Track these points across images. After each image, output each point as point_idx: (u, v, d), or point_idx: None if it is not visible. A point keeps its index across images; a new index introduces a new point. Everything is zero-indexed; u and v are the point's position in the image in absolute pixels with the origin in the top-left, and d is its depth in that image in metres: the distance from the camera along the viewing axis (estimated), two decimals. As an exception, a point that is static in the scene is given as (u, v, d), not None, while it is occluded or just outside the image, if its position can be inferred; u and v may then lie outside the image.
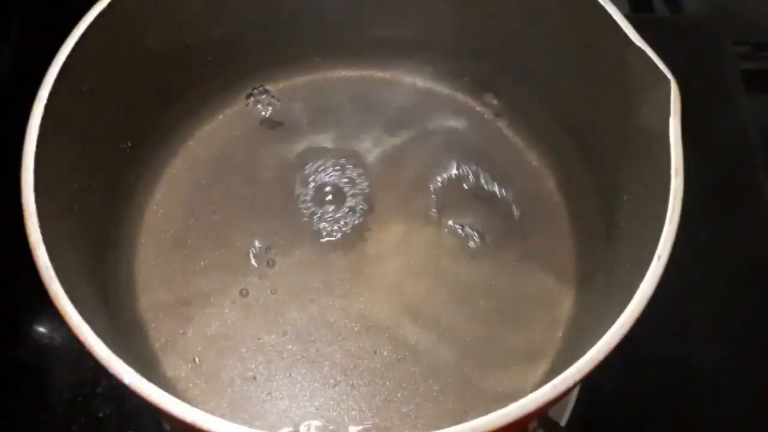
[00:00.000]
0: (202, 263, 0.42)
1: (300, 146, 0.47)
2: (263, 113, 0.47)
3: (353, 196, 0.45)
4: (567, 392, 0.28)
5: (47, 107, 0.33)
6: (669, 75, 0.33)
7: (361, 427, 0.37)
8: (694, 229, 0.43)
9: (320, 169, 0.46)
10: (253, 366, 0.40)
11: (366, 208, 0.44)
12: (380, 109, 0.49)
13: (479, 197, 0.45)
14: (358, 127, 0.48)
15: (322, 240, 0.43)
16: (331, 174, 0.46)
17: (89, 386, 0.44)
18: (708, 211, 0.49)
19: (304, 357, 0.40)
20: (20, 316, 0.46)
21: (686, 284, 0.47)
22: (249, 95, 0.47)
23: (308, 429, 0.36)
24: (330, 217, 0.44)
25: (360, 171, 0.46)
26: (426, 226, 0.44)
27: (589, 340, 0.29)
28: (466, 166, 0.46)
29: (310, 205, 0.44)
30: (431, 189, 0.45)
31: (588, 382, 0.42)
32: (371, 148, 0.47)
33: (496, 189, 0.46)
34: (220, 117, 0.47)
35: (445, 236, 0.44)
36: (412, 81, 0.49)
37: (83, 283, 0.34)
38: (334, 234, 0.43)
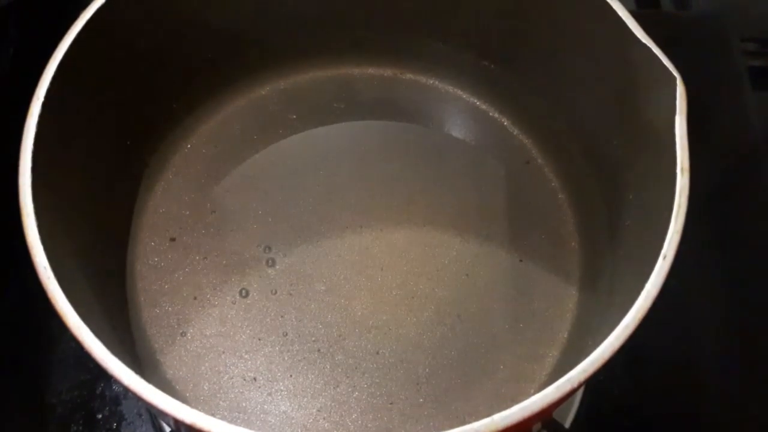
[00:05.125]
0: (202, 263, 0.42)
1: (300, 145, 0.47)
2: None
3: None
4: (571, 393, 0.28)
5: (45, 105, 0.33)
6: (675, 72, 0.33)
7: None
8: (700, 228, 0.42)
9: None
10: (253, 367, 0.39)
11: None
12: (382, 106, 0.48)
13: (481, 196, 0.45)
14: (359, 125, 0.47)
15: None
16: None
17: (88, 387, 0.44)
18: (714, 209, 0.48)
19: (305, 357, 0.40)
20: (19, 316, 0.46)
21: (692, 284, 0.46)
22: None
23: None
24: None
25: (360, 170, 0.45)
26: (428, 225, 0.44)
27: (594, 340, 0.29)
28: (468, 165, 0.46)
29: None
30: (433, 187, 0.45)
31: (593, 383, 0.42)
32: (372, 146, 0.47)
33: (499, 188, 0.45)
34: (221, 115, 0.47)
35: (447, 236, 0.43)
36: (416, 78, 0.49)
37: (81, 283, 0.34)
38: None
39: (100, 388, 0.44)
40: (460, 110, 0.48)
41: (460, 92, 0.49)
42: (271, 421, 0.38)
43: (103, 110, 0.38)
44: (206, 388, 0.39)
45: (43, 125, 0.32)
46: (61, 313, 0.29)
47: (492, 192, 0.45)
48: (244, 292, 0.41)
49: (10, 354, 0.45)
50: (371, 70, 0.49)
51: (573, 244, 0.43)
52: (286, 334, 0.40)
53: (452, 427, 0.26)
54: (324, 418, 0.38)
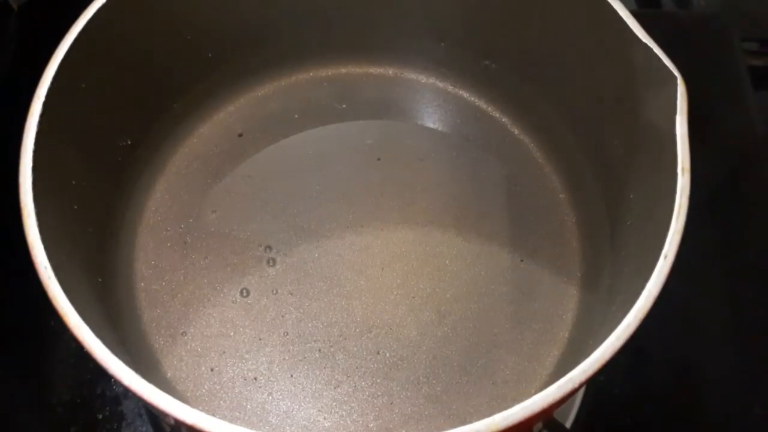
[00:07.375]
0: (202, 263, 0.42)
1: (300, 145, 0.47)
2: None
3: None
4: (572, 393, 0.28)
5: (45, 105, 0.33)
6: (676, 72, 0.33)
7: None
8: (701, 228, 0.42)
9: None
10: (254, 366, 0.39)
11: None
12: (383, 105, 0.48)
13: (483, 196, 0.45)
14: (360, 125, 0.47)
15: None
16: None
17: (88, 387, 0.44)
18: (715, 209, 0.48)
19: (305, 357, 0.40)
20: (19, 315, 0.46)
21: (693, 284, 0.46)
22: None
23: None
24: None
25: (360, 170, 0.45)
26: (429, 225, 0.44)
27: (595, 340, 0.29)
28: (468, 165, 0.46)
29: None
30: (433, 188, 0.45)
31: (594, 383, 0.42)
32: (372, 146, 0.47)
33: (499, 188, 0.45)
34: (221, 114, 0.47)
35: (448, 235, 0.43)
36: (416, 78, 0.49)
37: (82, 282, 0.34)
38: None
39: (100, 388, 0.44)
40: (460, 110, 0.48)
41: (460, 92, 0.49)
42: (271, 421, 0.38)
43: (103, 110, 0.38)
44: (206, 388, 0.39)
45: (43, 125, 0.32)
46: (61, 313, 0.29)
47: (492, 192, 0.45)
48: (244, 291, 0.41)
49: (10, 354, 0.45)
50: (371, 70, 0.49)
51: (574, 243, 0.43)
52: (287, 334, 0.40)
53: (453, 427, 0.25)
54: (324, 418, 0.38)
